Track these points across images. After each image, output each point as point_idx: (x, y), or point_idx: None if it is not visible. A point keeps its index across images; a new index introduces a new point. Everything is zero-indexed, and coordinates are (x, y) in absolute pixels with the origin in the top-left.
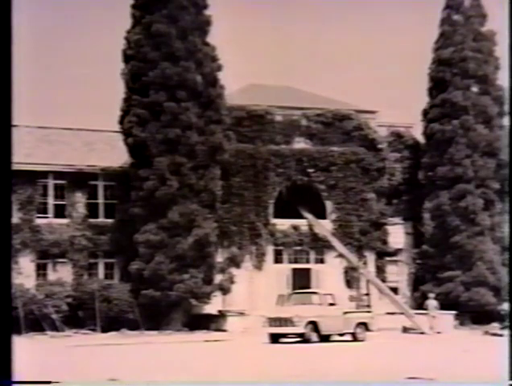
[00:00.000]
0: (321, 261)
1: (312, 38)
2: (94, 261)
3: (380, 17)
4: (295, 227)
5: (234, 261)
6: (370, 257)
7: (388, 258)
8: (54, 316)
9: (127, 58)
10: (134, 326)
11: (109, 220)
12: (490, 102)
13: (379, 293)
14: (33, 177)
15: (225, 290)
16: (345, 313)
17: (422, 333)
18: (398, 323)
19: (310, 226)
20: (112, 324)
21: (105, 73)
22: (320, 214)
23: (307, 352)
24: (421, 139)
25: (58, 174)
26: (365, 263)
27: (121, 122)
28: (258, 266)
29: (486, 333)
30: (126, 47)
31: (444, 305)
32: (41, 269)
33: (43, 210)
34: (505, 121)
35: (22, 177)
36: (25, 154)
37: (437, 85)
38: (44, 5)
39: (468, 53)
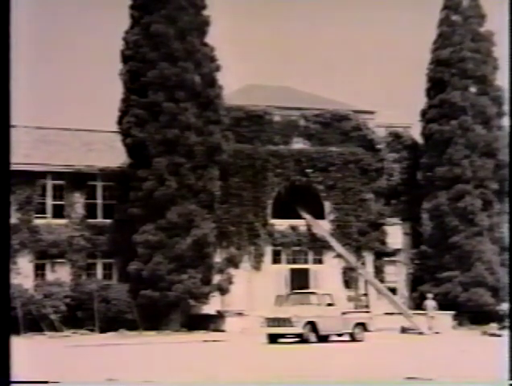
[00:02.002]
0: (319, 262)
1: (311, 38)
2: (93, 262)
3: (379, 16)
4: (294, 228)
5: (233, 262)
6: (369, 258)
7: (386, 258)
8: (52, 316)
9: (126, 58)
10: (132, 326)
11: (108, 221)
12: (489, 102)
13: (377, 293)
14: (31, 177)
15: (223, 291)
16: (344, 313)
17: (420, 333)
18: (396, 323)
19: (308, 226)
20: (110, 324)
21: (104, 73)
22: (319, 214)
23: (306, 352)
24: (419, 139)
25: (56, 175)
26: (363, 263)
27: (119, 122)
28: (257, 266)
29: (484, 333)
30: (125, 47)
31: (443, 306)
32: (39, 270)
33: (41, 210)
34: (504, 121)
35: (20, 177)
36: (23, 155)
37: (435, 86)
38: (43, 5)
39: (466, 53)
